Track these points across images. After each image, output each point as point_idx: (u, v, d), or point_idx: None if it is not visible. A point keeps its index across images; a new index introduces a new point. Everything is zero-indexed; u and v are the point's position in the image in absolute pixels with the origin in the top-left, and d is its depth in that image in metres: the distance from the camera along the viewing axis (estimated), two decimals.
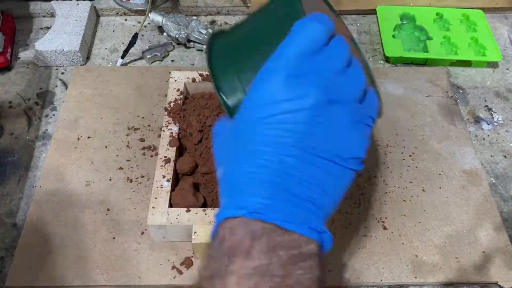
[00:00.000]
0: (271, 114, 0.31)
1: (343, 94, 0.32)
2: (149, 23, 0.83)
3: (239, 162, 0.32)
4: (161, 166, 0.56)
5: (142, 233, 0.56)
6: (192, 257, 0.54)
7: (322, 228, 0.32)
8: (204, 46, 0.78)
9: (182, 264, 0.54)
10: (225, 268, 0.28)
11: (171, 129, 0.60)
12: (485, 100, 0.73)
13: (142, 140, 0.65)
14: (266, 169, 0.31)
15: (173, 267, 0.53)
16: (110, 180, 0.61)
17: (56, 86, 0.73)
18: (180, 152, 0.60)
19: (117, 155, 0.63)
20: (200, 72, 0.66)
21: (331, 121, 0.32)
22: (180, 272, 0.53)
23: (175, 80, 0.65)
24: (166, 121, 0.61)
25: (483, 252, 0.56)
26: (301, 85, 0.31)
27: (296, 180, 0.31)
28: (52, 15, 0.83)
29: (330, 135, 0.32)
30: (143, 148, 0.64)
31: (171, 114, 0.62)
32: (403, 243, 0.56)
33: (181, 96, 0.64)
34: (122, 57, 0.75)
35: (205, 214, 0.52)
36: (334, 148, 0.32)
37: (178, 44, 0.80)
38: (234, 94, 0.36)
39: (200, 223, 0.52)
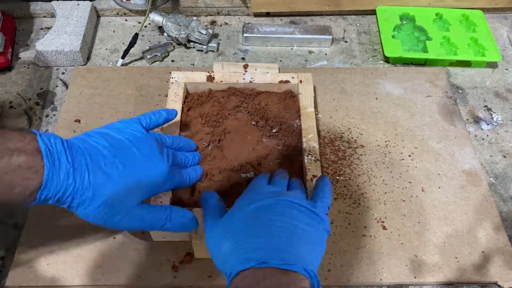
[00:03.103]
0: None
1: None
2: (149, 24, 0.83)
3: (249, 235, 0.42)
4: None
5: (142, 233, 0.56)
6: (192, 254, 0.54)
7: (314, 272, 0.40)
8: (204, 46, 0.78)
9: (181, 262, 0.54)
10: None
11: (171, 129, 0.60)
12: (485, 100, 0.73)
13: None
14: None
15: (173, 267, 0.53)
16: None
17: (57, 86, 0.73)
18: None
19: None
20: (200, 72, 0.66)
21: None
22: (181, 272, 0.53)
23: (176, 80, 0.65)
24: None
25: (483, 252, 0.56)
26: None
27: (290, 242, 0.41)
28: (53, 15, 0.83)
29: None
30: None
31: None
32: (402, 243, 0.56)
33: (181, 96, 0.64)
34: (123, 57, 0.76)
35: None
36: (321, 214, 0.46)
37: (178, 44, 0.80)
38: None
39: (200, 223, 0.52)
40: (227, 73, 0.66)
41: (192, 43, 0.79)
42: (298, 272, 0.39)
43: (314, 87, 0.70)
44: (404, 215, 0.59)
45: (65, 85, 0.73)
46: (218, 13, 0.86)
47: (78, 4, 0.80)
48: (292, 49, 0.81)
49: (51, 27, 0.77)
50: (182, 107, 0.63)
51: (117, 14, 0.84)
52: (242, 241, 0.41)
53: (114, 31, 0.82)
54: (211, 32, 0.78)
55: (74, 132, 0.66)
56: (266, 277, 0.38)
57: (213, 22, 0.85)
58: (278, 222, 0.42)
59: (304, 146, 0.59)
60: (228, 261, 0.41)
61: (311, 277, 0.40)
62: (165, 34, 0.78)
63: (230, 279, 0.40)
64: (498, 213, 0.59)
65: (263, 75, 0.66)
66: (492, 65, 0.78)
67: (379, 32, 0.81)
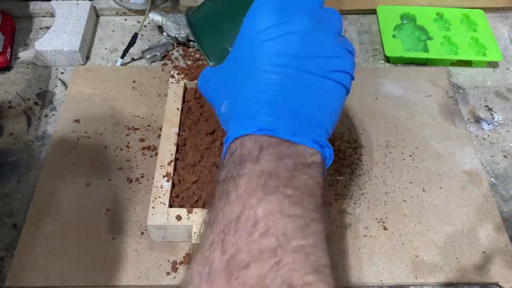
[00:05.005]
0: (267, 39, 0.34)
1: (326, 24, 0.36)
2: (149, 23, 0.83)
3: (242, 90, 0.36)
4: (161, 166, 0.56)
5: (142, 233, 0.56)
6: (192, 254, 0.54)
7: (324, 142, 0.34)
8: None
9: (181, 262, 0.54)
10: (237, 172, 0.31)
11: (171, 129, 0.60)
12: (486, 100, 0.73)
13: (142, 140, 0.65)
14: (268, 91, 0.34)
15: (173, 267, 0.53)
16: (110, 180, 0.61)
17: (56, 86, 0.73)
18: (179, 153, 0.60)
19: (117, 155, 0.63)
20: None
21: (320, 44, 0.35)
22: (181, 272, 0.53)
23: (175, 80, 0.65)
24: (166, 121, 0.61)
25: (484, 252, 0.56)
26: (291, 13, 0.35)
27: (296, 98, 0.34)
28: (52, 15, 0.83)
29: (321, 56, 0.35)
30: (143, 148, 0.64)
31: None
32: (403, 243, 0.56)
33: (181, 96, 0.64)
34: (122, 57, 0.75)
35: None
36: (326, 65, 0.35)
37: (178, 44, 0.80)
38: (219, 47, 0.40)
39: (200, 223, 0.52)
40: None
41: (192, 43, 0.79)
42: (307, 145, 0.33)
43: None
44: (405, 216, 0.58)
45: (64, 85, 0.73)
46: None
47: (78, 4, 0.80)
48: None
49: (50, 26, 0.77)
50: (182, 107, 0.63)
51: (117, 13, 0.84)
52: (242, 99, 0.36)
53: (113, 31, 0.82)
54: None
55: (74, 132, 0.65)
56: (271, 146, 0.32)
57: None
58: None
59: None
60: (227, 122, 0.37)
61: (321, 146, 0.34)
62: (164, 33, 0.78)
63: (227, 145, 0.35)
64: (499, 213, 0.59)
65: None
66: (493, 65, 0.78)
67: (379, 31, 0.81)
